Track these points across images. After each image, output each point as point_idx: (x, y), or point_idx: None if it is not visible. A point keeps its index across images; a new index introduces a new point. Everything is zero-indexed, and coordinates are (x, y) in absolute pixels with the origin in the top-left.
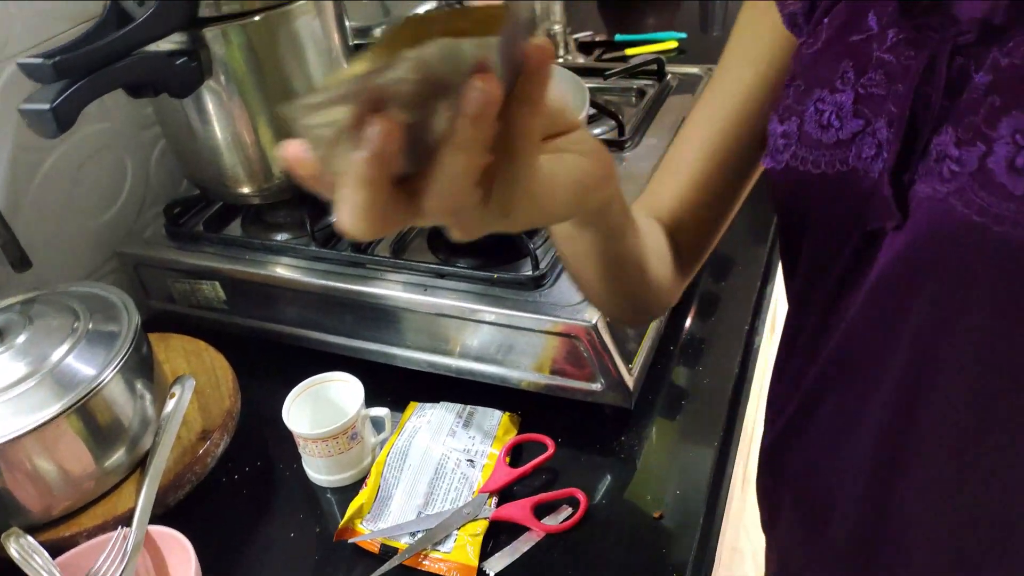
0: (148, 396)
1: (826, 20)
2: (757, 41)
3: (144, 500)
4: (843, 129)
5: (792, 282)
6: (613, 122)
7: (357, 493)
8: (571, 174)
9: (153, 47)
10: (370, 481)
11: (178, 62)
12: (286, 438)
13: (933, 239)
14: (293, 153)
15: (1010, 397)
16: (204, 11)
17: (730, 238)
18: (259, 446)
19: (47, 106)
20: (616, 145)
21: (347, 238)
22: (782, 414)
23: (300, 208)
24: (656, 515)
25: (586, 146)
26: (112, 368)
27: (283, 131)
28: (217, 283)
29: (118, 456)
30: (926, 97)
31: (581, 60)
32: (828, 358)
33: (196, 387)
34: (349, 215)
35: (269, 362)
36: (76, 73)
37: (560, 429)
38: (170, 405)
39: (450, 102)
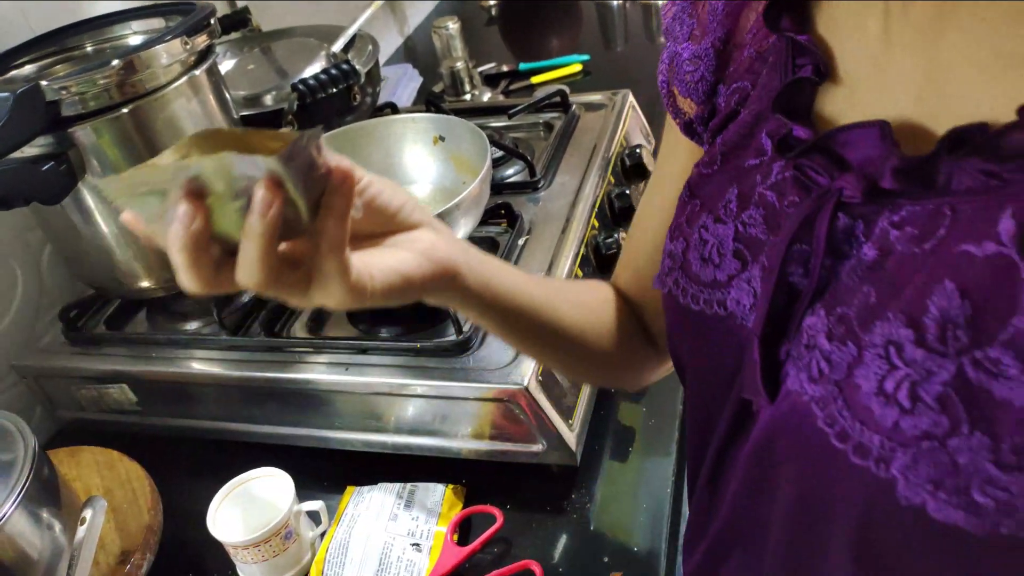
0: (57, 524)
1: (720, 137)
2: (672, 158)
3: None
4: (721, 268)
5: (687, 417)
6: (522, 163)
7: None
8: (394, 268)
9: (16, 154)
10: None
11: (44, 168)
12: (217, 544)
13: (792, 444)
14: (128, 220)
15: None
16: (68, 110)
17: None
18: (188, 557)
19: None
20: (529, 187)
21: (187, 294)
22: (695, 547)
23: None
24: None
25: (420, 245)
26: (12, 501)
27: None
28: (125, 385)
29: None
30: (803, 255)
31: (487, 96)
32: (723, 517)
33: (111, 504)
34: (178, 273)
35: (191, 462)
36: None
37: (507, 495)
38: (81, 531)
39: (244, 201)
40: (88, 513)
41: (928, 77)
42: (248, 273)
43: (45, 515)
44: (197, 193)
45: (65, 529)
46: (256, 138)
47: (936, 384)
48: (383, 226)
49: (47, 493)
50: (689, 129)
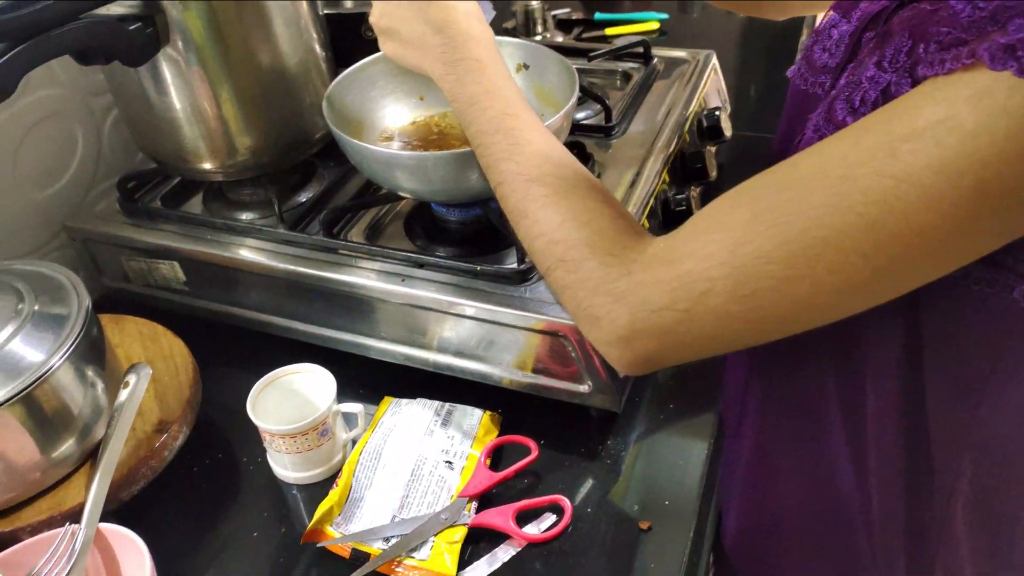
0: (100, 384)
1: None
2: None
3: (95, 495)
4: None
5: None
6: (599, 106)
7: (326, 491)
8: None
9: (104, 10)
10: (341, 481)
11: (131, 27)
12: (249, 430)
13: None
14: None
15: None
16: None
17: None
18: (220, 439)
19: None
20: (603, 132)
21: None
22: None
23: (267, 187)
24: (644, 526)
25: None
26: (61, 354)
27: (248, 104)
28: (176, 263)
29: (67, 447)
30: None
31: (560, 39)
32: None
33: (153, 375)
34: None
35: (232, 349)
36: (15, 37)
37: (542, 430)
38: (124, 394)
39: None
40: (132, 378)
41: None
42: None
43: (90, 373)
44: None
45: (107, 389)
46: None
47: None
48: None
49: (94, 352)
50: None
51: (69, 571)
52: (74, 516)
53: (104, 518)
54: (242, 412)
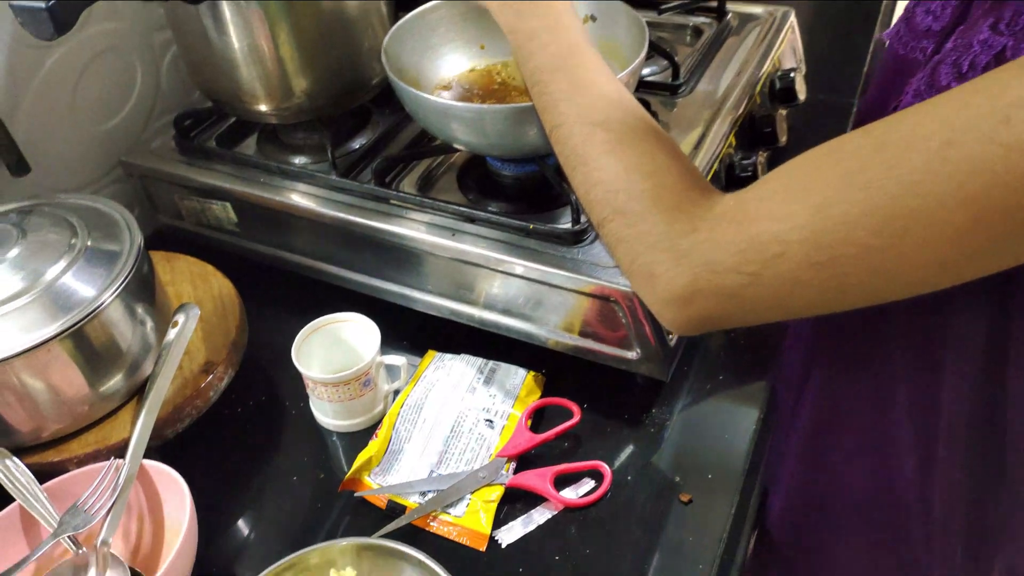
0: (149, 322)
1: None
2: None
3: (140, 431)
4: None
5: None
6: (666, 62)
7: (366, 440)
8: None
9: None
10: (381, 432)
11: None
12: (293, 375)
13: None
14: None
15: None
16: None
17: None
18: (264, 382)
19: (43, 5)
20: (669, 89)
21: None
22: None
23: (321, 131)
24: (684, 499)
25: None
26: (112, 290)
27: (306, 46)
28: (228, 204)
29: (115, 382)
30: None
31: None
32: None
33: (201, 315)
34: None
35: (280, 292)
36: None
37: (586, 394)
38: (172, 334)
39: None
40: (181, 317)
41: None
42: None
43: (140, 311)
44: None
45: (156, 327)
46: None
47: None
48: None
49: (144, 290)
50: None
51: (113, 503)
52: (119, 451)
53: (148, 454)
54: (287, 356)
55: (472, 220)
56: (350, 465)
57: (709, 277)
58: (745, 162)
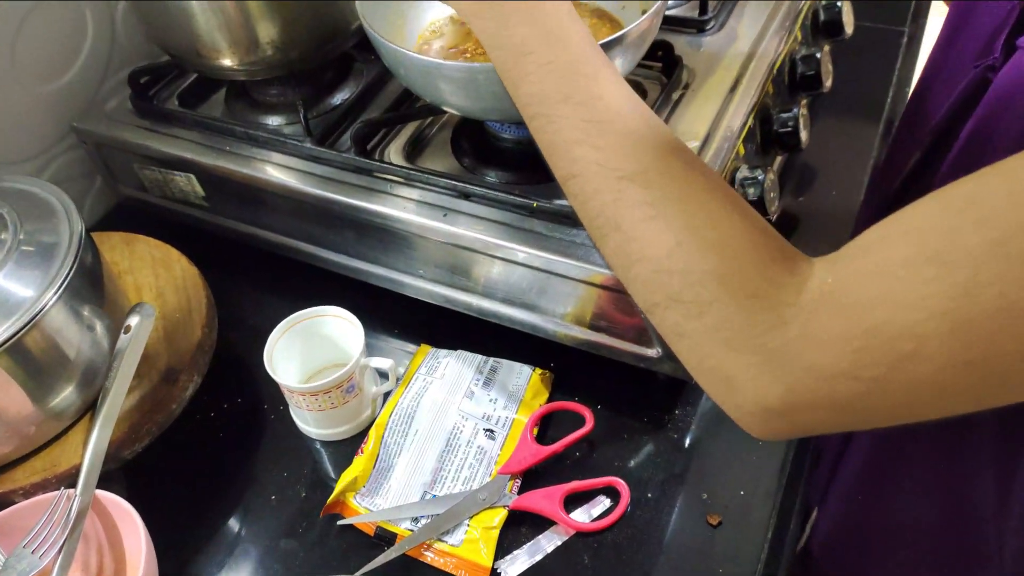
0: (99, 324)
1: None
2: None
3: (91, 457)
4: None
5: None
6: None
7: (354, 447)
8: None
9: None
10: (367, 447)
11: None
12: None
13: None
14: None
15: None
16: None
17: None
18: (237, 381)
19: None
20: (695, 26)
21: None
22: None
23: (297, 87)
24: (713, 521)
25: None
26: (53, 292)
27: None
28: (193, 176)
29: (65, 396)
30: None
31: None
32: None
33: (162, 311)
34: None
35: (254, 274)
36: None
37: (598, 394)
38: (124, 340)
39: None
40: (134, 321)
41: None
42: None
43: (87, 312)
44: None
45: (110, 328)
46: None
47: None
48: None
49: (91, 287)
50: None
51: (64, 541)
52: (71, 479)
53: (106, 476)
54: (262, 348)
55: (467, 196)
56: (336, 477)
57: (812, 385)
58: (785, 115)
